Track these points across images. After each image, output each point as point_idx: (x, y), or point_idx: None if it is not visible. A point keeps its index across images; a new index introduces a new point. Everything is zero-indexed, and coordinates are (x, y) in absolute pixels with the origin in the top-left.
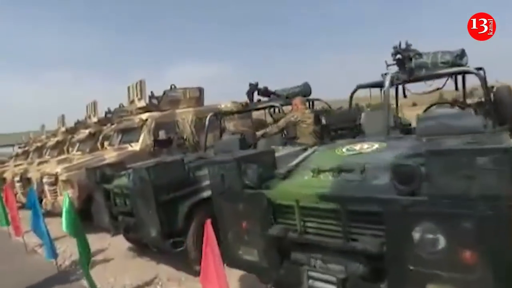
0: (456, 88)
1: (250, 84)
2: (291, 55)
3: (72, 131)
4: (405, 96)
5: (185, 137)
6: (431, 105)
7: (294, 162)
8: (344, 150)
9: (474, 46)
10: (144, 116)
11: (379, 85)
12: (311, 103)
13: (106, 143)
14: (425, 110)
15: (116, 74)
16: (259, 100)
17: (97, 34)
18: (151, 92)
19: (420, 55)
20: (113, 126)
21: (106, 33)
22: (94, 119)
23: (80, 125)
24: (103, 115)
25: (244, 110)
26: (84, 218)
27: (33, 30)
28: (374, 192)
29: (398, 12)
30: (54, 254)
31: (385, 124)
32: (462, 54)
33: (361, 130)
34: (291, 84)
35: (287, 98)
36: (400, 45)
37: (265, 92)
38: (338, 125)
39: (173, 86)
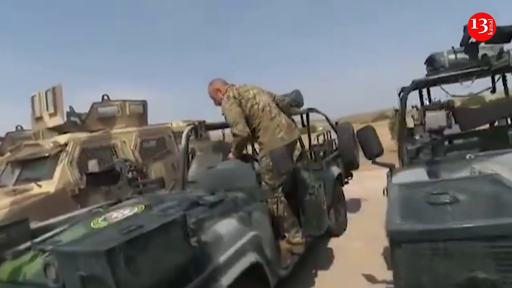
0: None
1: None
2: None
3: None
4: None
5: (137, 165)
6: None
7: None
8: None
9: None
10: (62, 138)
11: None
12: (304, 115)
13: None
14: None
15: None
16: None
17: None
18: (70, 107)
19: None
20: (3, 157)
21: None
22: None
23: None
24: None
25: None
26: None
27: None
28: None
29: None
30: None
31: None
32: None
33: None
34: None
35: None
36: None
37: None
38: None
39: (105, 97)
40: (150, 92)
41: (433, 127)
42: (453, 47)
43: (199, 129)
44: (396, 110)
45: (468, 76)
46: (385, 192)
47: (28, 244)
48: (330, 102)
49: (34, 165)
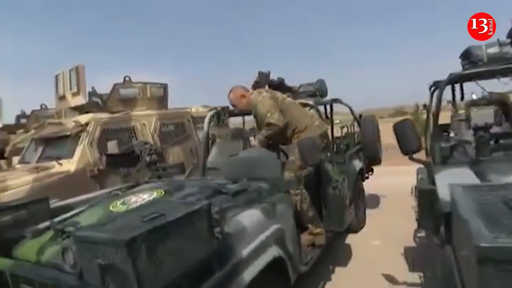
0: None
1: (260, 73)
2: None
3: None
4: None
5: (156, 148)
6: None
7: None
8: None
9: None
10: (83, 118)
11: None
12: (328, 106)
13: (16, 160)
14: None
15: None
16: None
17: (14, 28)
18: (92, 88)
19: None
20: (28, 134)
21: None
22: None
23: None
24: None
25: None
26: None
27: None
28: None
29: None
30: None
31: None
32: None
33: None
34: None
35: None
36: None
37: (279, 87)
38: None
39: (127, 78)
40: (171, 77)
41: (479, 124)
42: (498, 40)
43: (222, 114)
44: (425, 106)
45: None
46: (414, 191)
47: (47, 223)
48: (347, 95)
49: (56, 144)
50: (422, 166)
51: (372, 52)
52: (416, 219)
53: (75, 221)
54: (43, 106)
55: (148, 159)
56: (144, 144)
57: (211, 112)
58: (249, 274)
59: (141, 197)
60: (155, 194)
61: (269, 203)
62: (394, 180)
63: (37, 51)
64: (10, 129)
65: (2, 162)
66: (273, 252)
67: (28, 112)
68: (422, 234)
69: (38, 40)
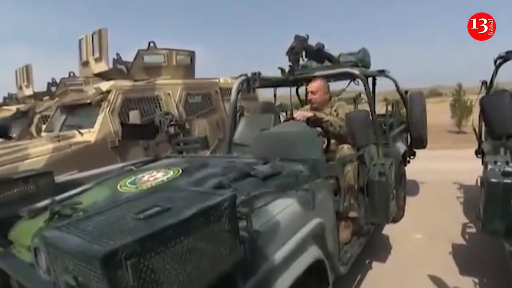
0: None
1: (296, 37)
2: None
3: None
4: None
5: (178, 120)
6: None
7: None
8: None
9: None
10: (105, 85)
11: None
12: (371, 80)
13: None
14: None
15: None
16: (303, 67)
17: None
18: (117, 54)
19: None
20: (53, 101)
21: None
22: (28, 91)
23: (12, 101)
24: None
25: (287, 78)
26: None
27: None
28: None
29: None
30: None
31: None
32: None
33: None
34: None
35: None
36: None
37: (317, 55)
38: None
39: (151, 44)
40: (200, 47)
41: None
42: None
43: (252, 81)
44: (485, 82)
45: None
46: (480, 182)
47: (47, 201)
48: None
49: (78, 112)
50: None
51: (407, 28)
52: (478, 218)
53: (77, 201)
54: (71, 74)
55: (169, 131)
56: (165, 115)
57: (240, 79)
58: (283, 283)
59: (154, 176)
60: (170, 173)
61: (308, 190)
62: (434, 165)
63: (70, 17)
64: (40, 96)
65: (32, 129)
66: (313, 253)
67: (58, 80)
68: (473, 230)
69: (71, 5)
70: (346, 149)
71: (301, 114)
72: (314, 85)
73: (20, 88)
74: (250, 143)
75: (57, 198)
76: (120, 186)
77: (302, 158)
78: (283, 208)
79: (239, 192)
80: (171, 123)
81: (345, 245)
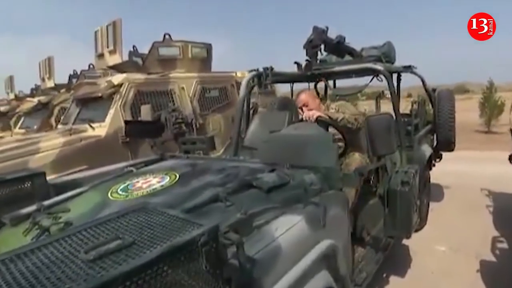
0: None
1: (315, 29)
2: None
3: (21, 99)
4: None
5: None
6: None
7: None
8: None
9: None
10: (117, 79)
11: None
12: (396, 76)
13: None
14: None
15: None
16: (321, 62)
17: None
18: (133, 46)
19: None
20: (69, 94)
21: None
22: (50, 83)
23: (38, 92)
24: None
25: (302, 73)
26: None
27: None
28: None
29: None
30: None
31: None
32: None
33: None
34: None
35: None
36: None
37: (337, 48)
38: None
39: (167, 36)
40: (218, 40)
41: None
42: None
43: (264, 76)
44: None
45: None
46: None
47: (33, 207)
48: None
49: (90, 105)
50: None
51: (433, 22)
52: None
53: (65, 208)
54: (91, 66)
55: (176, 128)
56: (171, 112)
57: (250, 75)
58: None
59: (149, 183)
60: (166, 180)
61: (318, 205)
62: (460, 167)
63: (95, 8)
64: (60, 88)
65: (52, 120)
66: (321, 281)
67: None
68: (504, 245)
69: None
70: (357, 156)
71: (310, 113)
72: (301, 99)
73: (43, 80)
74: (259, 145)
75: (46, 203)
76: (111, 193)
77: (314, 165)
78: (287, 229)
79: (236, 208)
80: (177, 120)
81: (360, 262)
